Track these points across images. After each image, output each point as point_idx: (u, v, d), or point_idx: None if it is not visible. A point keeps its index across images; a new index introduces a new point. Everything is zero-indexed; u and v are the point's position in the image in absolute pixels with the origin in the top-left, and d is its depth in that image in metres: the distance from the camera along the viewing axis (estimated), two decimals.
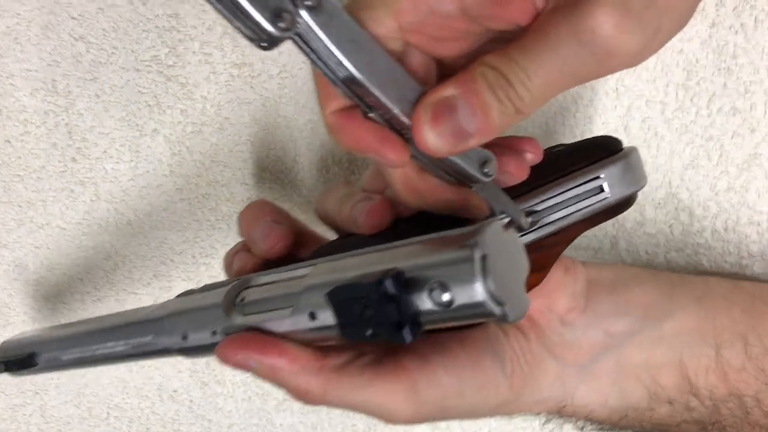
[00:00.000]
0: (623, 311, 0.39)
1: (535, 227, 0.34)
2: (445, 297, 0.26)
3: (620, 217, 0.47)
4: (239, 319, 0.33)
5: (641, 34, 0.27)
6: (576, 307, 0.39)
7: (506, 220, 0.32)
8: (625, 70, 0.44)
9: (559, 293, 0.38)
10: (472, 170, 0.31)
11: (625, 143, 0.46)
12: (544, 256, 0.35)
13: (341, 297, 0.28)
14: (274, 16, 0.26)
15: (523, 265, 0.28)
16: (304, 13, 0.27)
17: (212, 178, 0.50)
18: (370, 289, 0.26)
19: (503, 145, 0.34)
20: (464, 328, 0.33)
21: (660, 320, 0.39)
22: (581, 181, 0.35)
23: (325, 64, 0.28)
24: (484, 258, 0.25)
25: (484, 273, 0.25)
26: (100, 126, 0.49)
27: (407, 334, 0.26)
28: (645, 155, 0.46)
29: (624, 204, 0.36)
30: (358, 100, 0.29)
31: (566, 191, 0.35)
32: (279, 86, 0.48)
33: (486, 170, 0.31)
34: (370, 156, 0.30)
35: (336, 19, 0.27)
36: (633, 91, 0.45)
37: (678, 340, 0.39)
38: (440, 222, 0.32)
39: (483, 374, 0.35)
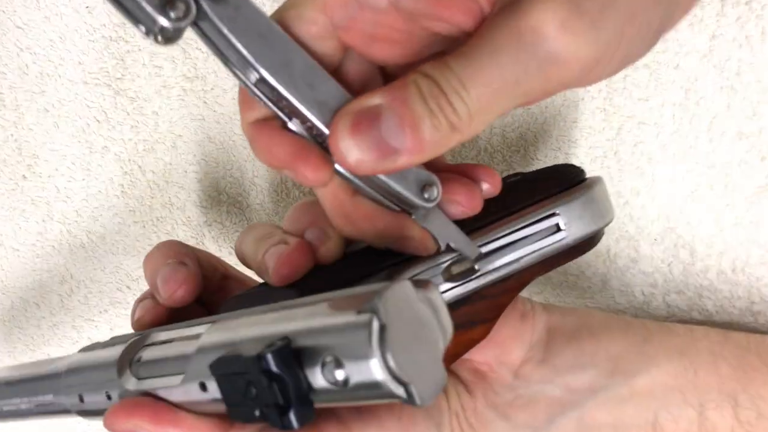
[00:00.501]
0: (587, 364, 0.33)
1: (480, 273, 0.29)
2: (340, 374, 0.21)
3: (612, 253, 0.41)
4: (132, 383, 0.29)
5: (594, 38, 0.23)
6: (532, 359, 0.33)
7: (422, 275, 0.27)
8: (613, 86, 0.39)
9: (513, 343, 0.33)
10: (409, 194, 0.27)
11: (615, 170, 0.40)
12: (489, 306, 0.30)
13: (224, 370, 0.23)
14: (164, 4, 0.22)
15: (441, 331, 0.23)
16: (204, 3, 0.23)
17: (166, 200, 0.46)
18: (251, 364, 0.21)
19: (455, 171, 0.29)
20: None
21: (631, 375, 0.33)
22: (533, 219, 0.30)
23: (233, 64, 0.25)
24: (382, 329, 0.20)
25: (383, 347, 0.20)
26: (51, 142, 0.46)
27: (293, 420, 0.22)
28: (638, 184, 0.40)
29: (586, 244, 0.31)
30: (274, 107, 0.25)
31: (516, 230, 0.30)
32: (233, 101, 0.44)
33: (426, 195, 0.27)
34: (286, 173, 0.26)
35: (243, 11, 0.24)
36: (623, 111, 0.39)
37: (652, 399, 0.33)
38: (365, 269, 0.28)
39: None
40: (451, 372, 0.34)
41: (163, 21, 0.22)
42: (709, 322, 0.41)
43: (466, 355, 0.32)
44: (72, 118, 0.45)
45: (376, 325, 0.20)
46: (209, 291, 0.34)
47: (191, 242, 0.47)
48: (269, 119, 0.26)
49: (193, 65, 0.43)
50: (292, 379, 0.21)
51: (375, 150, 0.23)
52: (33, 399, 0.34)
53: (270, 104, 0.25)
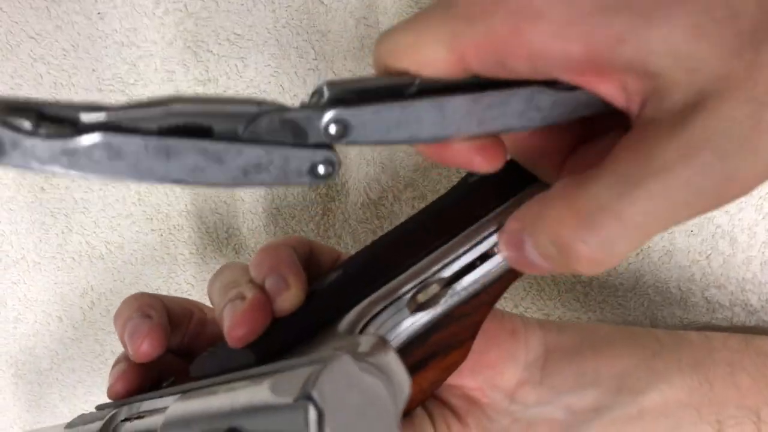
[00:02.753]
0: (589, 383, 0.31)
1: (447, 295, 0.27)
2: None
3: (645, 247, 0.39)
4: None
5: None
6: (529, 381, 0.31)
7: (366, 344, 0.23)
8: None
9: (505, 364, 0.30)
10: None
11: None
12: (464, 326, 0.27)
13: None
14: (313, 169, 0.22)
15: (395, 394, 0.21)
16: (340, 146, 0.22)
17: (182, 207, 0.46)
18: None
19: None
20: None
21: (639, 393, 0.30)
22: (494, 228, 0.27)
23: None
24: (320, 416, 0.19)
25: None
26: None
27: None
28: None
29: None
30: None
31: (478, 244, 0.27)
32: None
33: None
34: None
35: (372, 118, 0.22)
36: None
37: (664, 417, 0.30)
38: (322, 316, 0.26)
39: None
40: (440, 401, 0.31)
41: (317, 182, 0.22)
42: (754, 318, 0.39)
43: (456, 382, 0.30)
44: None
45: (313, 413, 0.19)
46: (187, 339, 0.33)
47: (209, 250, 0.47)
48: None
49: (205, 68, 0.43)
50: None
51: (528, 266, 0.24)
52: None
53: None
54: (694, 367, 0.31)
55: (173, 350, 0.33)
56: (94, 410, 0.32)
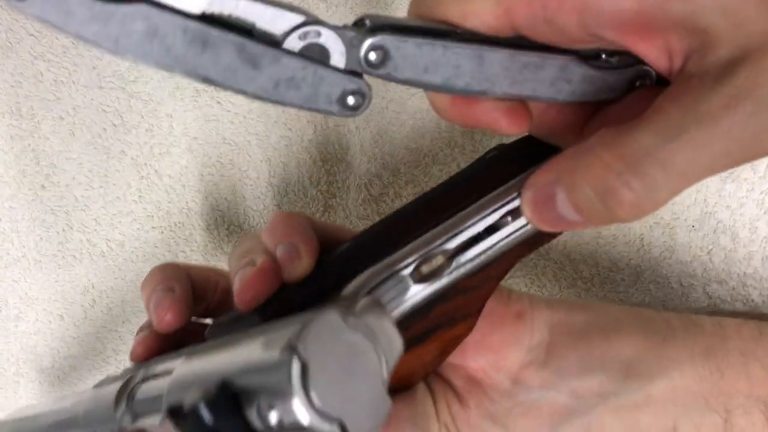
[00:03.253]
0: (596, 367, 0.30)
1: (453, 267, 0.26)
2: (273, 417, 0.20)
3: (645, 242, 0.39)
4: (128, 421, 0.29)
5: None
6: (533, 363, 0.30)
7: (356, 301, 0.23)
8: None
9: (509, 346, 0.30)
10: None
11: None
12: (469, 299, 0.27)
13: (175, 419, 0.22)
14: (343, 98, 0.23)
15: (384, 355, 0.21)
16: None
17: (184, 204, 0.45)
18: (190, 417, 0.20)
19: None
20: None
21: (647, 380, 0.30)
22: (506, 200, 0.27)
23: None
24: (304, 368, 0.19)
25: (305, 387, 0.19)
26: (67, 150, 0.46)
27: None
28: None
29: None
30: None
31: (488, 215, 0.27)
32: (247, 100, 0.43)
33: None
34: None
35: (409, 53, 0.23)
36: None
37: (672, 405, 0.30)
38: (329, 282, 0.26)
39: None
40: (442, 380, 0.31)
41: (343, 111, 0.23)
42: (754, 313, 0.39)
43: (459, 362, 0.30)
44: (88, 124, 0.45)
45: (296, 365, 0.19)
46: (212, 307, 0.33)
47: (209, 248, 0.47)
48: None
49: None
50: (229, 429, 0.20)
51: (553, 222, 0.25)
52: None
53: None
54: (706, 355, 0.30)
55: (199, 316, 0.33)
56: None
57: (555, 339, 0.31)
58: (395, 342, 0.21)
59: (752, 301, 0.38)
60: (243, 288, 0.26)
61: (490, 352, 0.30)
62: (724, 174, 0.37)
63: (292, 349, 0.19)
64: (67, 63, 0.44)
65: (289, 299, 0.26)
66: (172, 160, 0.45)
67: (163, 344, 0.31)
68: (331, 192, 0.44)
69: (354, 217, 0.44)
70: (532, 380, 0.30)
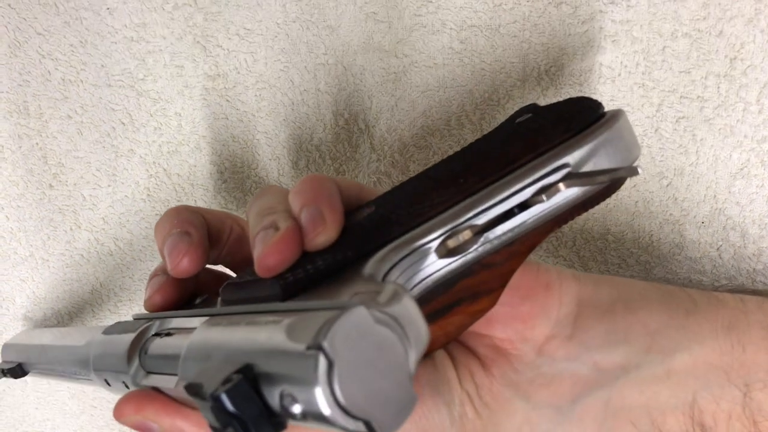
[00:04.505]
0: (620, 341, 0.30)
1: (480, 243, 0.25)
2: (297, 408, 0.20)
3: (654, 239, 0.39)
4: (141, 376, 0.29)
5: None
6: (558, 335, 0.30)
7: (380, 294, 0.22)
8: (651, 60, 0.36)
9: (537, 318, 0.30)
10: None
11: (657, 149, 0.38)
12: (494, 274, 0.26)
13: (194, 395, 0.22)
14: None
15: (411, 347, 0.21)
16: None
17: (192, 202, 0.45)
18: (211, 401, 0.21)
19: None
20: None
21: (669, 353, 0.30)
22: (539, 175, 0.25)
23: None
24: (330, 365, 0.19)
25: (331, 386, 0.19)
26: (75, 150, 0.46)
27: None
28: (682, 163, 0.38)
29: (602, 194, 0.27)
30: None
31: (519, 191, 0.25)
32: (256, 98, 0.43)
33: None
34: None
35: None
36: (663, 86, 0.37)
37: (692, 378, 0.30)
38: (349, 252, 0.25)
39: (423, 421, 0.28)
40: (466, 348, 0.31)
41: None
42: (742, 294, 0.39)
43: (486, 331, 0.30)
44: (96, 123, 0.45)
45: (323, 362, 0.19)
46: (225, 253, 0.33)
47: None
48: None
49: (215, 63, 0.42)
50: (249, 415, 0.20)
51: None
52: (68, 369, 0.36)
53: None
54: (728, 329, 0.31)
55: (211, 263, 0.33)
56: (130, 319, 0.33)
57: (582, 311, 0.31)
58: (422, 332, 0.21)
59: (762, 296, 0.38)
60: (265, 254, 0.25)
61: (519, 323, 0.30)
62: (733, 170, 0.37)
63: (318, 346, 0.19)
64: (75, 61, 0.44)
65: (310, 267, 0.25)
66: (181, 159, 0.45)
67: (179, 291, 0.31)
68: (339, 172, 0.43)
69: None
70: (556, 352, 0.30)
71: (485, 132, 0.41)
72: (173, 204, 0.46)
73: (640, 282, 0.34)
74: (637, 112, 0.38)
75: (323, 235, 0.25)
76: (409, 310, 0.21)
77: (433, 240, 0.25)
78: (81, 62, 0.44)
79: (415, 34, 0.40)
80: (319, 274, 0.25)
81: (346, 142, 0.42)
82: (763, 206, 0.37)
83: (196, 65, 0.43)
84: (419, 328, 0.21)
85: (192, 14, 0.42)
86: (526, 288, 0.30)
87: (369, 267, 0.24)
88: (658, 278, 0.40)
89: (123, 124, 0.45)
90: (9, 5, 0.43)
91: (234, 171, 0.45)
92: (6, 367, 0.45)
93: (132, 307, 0.49)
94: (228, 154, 0.44)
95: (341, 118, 0.42)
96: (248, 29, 0.41)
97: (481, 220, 0.25)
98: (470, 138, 0.41)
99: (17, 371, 0.44)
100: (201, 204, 0.45)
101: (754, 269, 0.38)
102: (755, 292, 0.38)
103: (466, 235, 0.25)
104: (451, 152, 0.41)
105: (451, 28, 0.39)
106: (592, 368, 0.30)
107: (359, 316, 0.20)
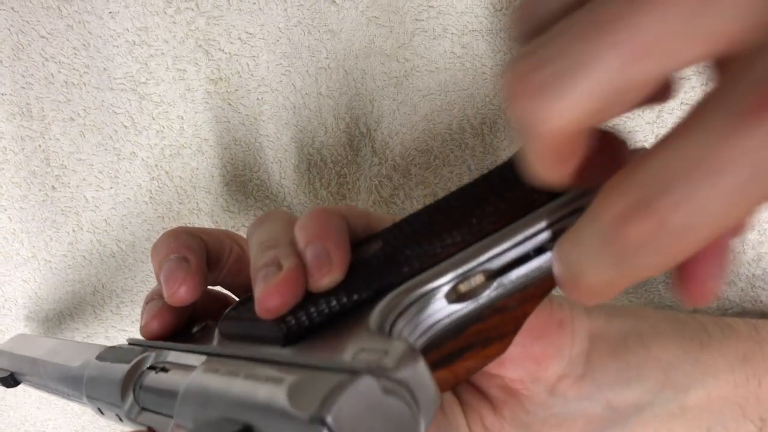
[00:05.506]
0: (633, 378, 0.30)
1: (493, 288, 0.24)
2: None
3: None
4: (135, 413, 0.28)
5: None
6: (571, 374, 0.29)
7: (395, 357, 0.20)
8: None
9: (550, 357, 0.29)
10: None
11: None
12: (506, 319, 0.24)
13: None
14: None
15: (421, 412, 0.19)
16: None
17: (194, 205, 0.46)
18: None
19: None
20: None
21: (683, 389, 0.30)
22: (556, 217, 0.23)
23: None
24: None
25: None
26: (78, 152, 0.46)
27: None
28: None
29: None
30: None
31: (535, 235, 0.23)
32: (258, 102, 0.43)
33: None
34: None
35: None
36: None
37: (707, 413, 0.29)
38: (355, 295, 0.24)
39: None
40: (475, 389, 0.31)
41: None
42: (764, 315, 0.39)
43: (497, 371, 0.29)
44: (98, 125, 0.45)
45: None
46: (223, 275, 0.32)
47: None
48: None
49: (217, 67, 0.43)
50: None
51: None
52: (60, 389, 0.35)
53: None
54: (743, 361, 0.30)
55: (210, 284, 0.32)
56: (125, 344, 0.32)
57: (594, 347, 0.30)
58: (433, 397, 0.19)
59: (761, 302, 0.39)
60: (265, 295, 0.24)
61: (531, 363, 0.29)
62: None
63: (321, 420, 0.18)
64: (77, 65, 0.44)
65: (313, 310, 0.24)
66: (183, 162, 0.45)
67: (176, 317, 0.30)
68: (341, 194, 0.44)
69: None
70: (569, 391, 0.29)
71: (486, 135, 0.41)
72: (176, 207, 0.46)
73: (652, 311, 0.33)
74: (638, 118, 0.38)
75: (328, 276, 0.24)
76: (420, 373, 0.19)
77: (443, 285, 0.23)
78: (84, 65, 0.44)
79: (417, 39, 0.40)
80: (321, 319, 0.24)
81: (347, 146, 0.43)
82: (763, 212, 0.37)
83: (198, 69, 0.43)
84: (430, 393, 0.19)
85: (194, 18, 0.42)
86: (540, 328, 0.29)
87: (375, 316, 0.22)
88: (659, 282, 0.40)
89: (125, 127, 0.45)
90: (12, 8, 0.44)
91: (236, 174, 0.45)
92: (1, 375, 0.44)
93: (134, 308, 0.49)
94: (230, 157, 0.44)
95: (342, 122, 0.42)
96: (250, 33, 0.42)
97: (495, 264, 0.23)
98: (471, 142, 0.41)
99: (9, 381, 0.43)
100: (203, 206, 0.46)
101: (753, 274, 0.38)
102: (756, 302, 0.38)
103: (479, 279, 0.24)
104: (452, 156, 0.41)
105: (452, 33, 0.39)
106: (605, 407, 0.29)
107: (367, 386, 0.18)
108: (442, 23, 0.39)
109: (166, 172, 0.45)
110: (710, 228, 0.15)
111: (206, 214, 0.46)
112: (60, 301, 0.50)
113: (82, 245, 0.48)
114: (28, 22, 0.44)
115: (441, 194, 0.42)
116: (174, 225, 0.46)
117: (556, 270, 0.19)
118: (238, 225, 0.46)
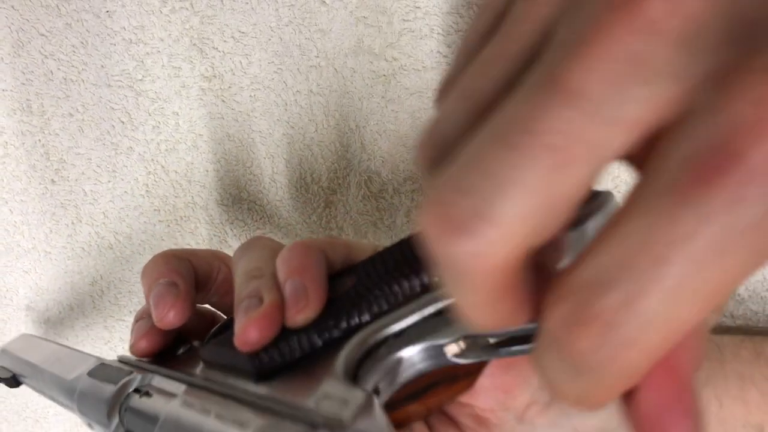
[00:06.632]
0: None
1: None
2: None
3: None
4: None
5: None
6: (538, 401, 0.30)
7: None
8: None
9: (520, 386, 0.29)
10: None
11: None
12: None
13: None
14: None
15: None
16: None
17: (189, 199, 0.47)
18: None
19: None
20: None
21: None
22: None
23: None
24: None
25: None
26: (76, 146, 0.47)
27: None
28: None
29: None
30: None
31: None
32: (251, 99, 0.44)
33: None
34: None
35: None
36: None
37: None
38: (329, 340, 0.25)
39: None
40: (446, 417, 0.31)
41: None
42: (742, 308, 0.40)
43: (468, 400, 0.30)
44: (96, 121, 0.46)
45: None
46: (211, 295, 0.33)
47: (214, 241, 0.48)
48: None
49: (211, 65, 0.44)
50: None
51: None
52: (56, 397, 0.36)
53: None
54: (705, 384, 0.30)
55: (201, 303, 0.33)
56: (115, 360, 0.34)
57: None
58: None
59: (738, 295, 0.40)
60: (245, 328, 0.25)
61: (501, 393, 0.29)
62: None
63: None
64: (76, 62, 0.46)
65: (285, 349, 0.25)
66: (179, 157, 0.46)
67: (164, 337, 0.31)
68: (332, 188, 0.45)
69: (354, 212, 0.45)
70: (537, 419, 0.30)
71: None
72: (171, 200, 0.47)
73: None
74: None
75: (303, 313, 0.25)
76: (377, 425, 0.20)
77: (408, 327, 0.24)
78: (82, 62, 0.45)
79: (404, 39, 0.41)
80: (296, 355, 0.25)
81: (337, 142, 0.44)
82: None
83: (193, 66, 0.44)
84: None
85: (188, 17, 0.43)
86: (509, 359, 0.28)
87: (341, 360, 0.23)
88: None
89: (122, 122, 0.46)
90: (12, 7, 0.45)
91: (229, 169, 0.46)
92: (2, 375, 0.46)
93: (131, 299, 0.51)
94: (224, 152, 0.46)
95: (332, 119, 0.43)
96: (243, 32, 0.43)
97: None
98: None
99: (11, 382, 0.45)
100: (198, 200, 0.47)
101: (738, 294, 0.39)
102: (734, 294, 0.39)
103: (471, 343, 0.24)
104: None
105: (438, 33, 0.40)
106: None
107: None
108: (428, 23, 0.40)
109: (162, 167, 0.47)
110: (668, 325, 0.13)
111: (201, 207, 0.47)
112: (60, 291, 0.51)
113: (81, 237, 0.49)
114: (28, 20, 0.45)
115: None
116: (170, 218, 0.48)
117: (539, 382, 0.19)
118: (232, 218, 0.47)
